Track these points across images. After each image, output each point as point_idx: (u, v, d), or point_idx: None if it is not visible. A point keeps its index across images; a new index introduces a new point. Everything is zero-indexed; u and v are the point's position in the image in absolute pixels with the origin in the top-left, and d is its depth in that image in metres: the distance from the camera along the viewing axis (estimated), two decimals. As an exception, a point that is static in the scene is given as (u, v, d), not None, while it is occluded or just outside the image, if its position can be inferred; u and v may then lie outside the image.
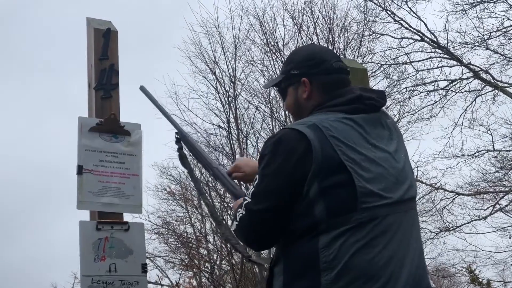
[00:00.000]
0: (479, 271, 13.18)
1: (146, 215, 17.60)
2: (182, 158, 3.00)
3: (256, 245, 2.30)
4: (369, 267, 2.04)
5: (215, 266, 17.67)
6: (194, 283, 20.51)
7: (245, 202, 2.21)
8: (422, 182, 15.49)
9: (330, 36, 14.58)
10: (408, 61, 14.83)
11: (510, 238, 15.99)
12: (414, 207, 2.28)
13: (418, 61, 14.84)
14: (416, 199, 2.33)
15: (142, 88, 3.03)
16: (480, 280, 11.96)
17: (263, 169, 2.19)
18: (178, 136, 2.96)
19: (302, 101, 2.38)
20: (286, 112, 14.80)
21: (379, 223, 2.10)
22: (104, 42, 3.42)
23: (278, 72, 15.13)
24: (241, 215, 2.22)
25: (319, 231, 2.08)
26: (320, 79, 2.34)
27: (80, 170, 3.14)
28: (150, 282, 16.42)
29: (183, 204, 19.46)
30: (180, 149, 2.99)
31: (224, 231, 2.77)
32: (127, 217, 3.24)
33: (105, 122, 3.25)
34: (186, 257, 18.58)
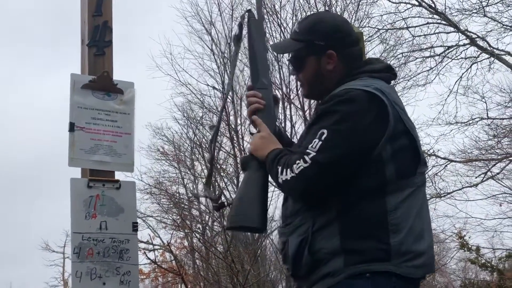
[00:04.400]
0: (469, 237, 13.31)
1: (138, 175, 17.63)
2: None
3: (313, 198, 2.24)
4: (421, 228, 2.22)
5: (207, 227, 17.78)
6: (186, 243, 20.64)
7: (310, 155, 2.17)
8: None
9: (328, -1, 14.47)
10: (405, 26, 14.73)
11: (500, 205, 16.10)
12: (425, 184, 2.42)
13: (415, 26, 14.72)
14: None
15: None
16: (470, 246, 12.07)
17: (334, 125, 2.18)
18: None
19: (326, 73, 2.39)
20: (294, 80, 14.71)
21: (423, 189, 2.30)
22: (98, -2, 3.37)
23: (273, 34, 15.03)
24: (302, 167, 2.18)
25: (386, 192, 2.16)
26: (345, 52, 2.39)
27: (72, 127, 3.12)
28: (142, 242, 16.50)
29: (176, 164, 19.50)
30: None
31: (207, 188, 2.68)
32: (119, 176, 3.24)
33: (98, 80, 3.22)
34: (178, 217, 18.67)
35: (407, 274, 2.15)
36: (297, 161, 2.20)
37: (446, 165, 15.50)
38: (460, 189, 15.48)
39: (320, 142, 2.17)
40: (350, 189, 2.18)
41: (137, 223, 3.14)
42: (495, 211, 16.35)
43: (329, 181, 2.18)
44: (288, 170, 2.21)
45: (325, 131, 2.18)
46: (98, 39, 3.31)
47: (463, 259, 18.49)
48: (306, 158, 2.18)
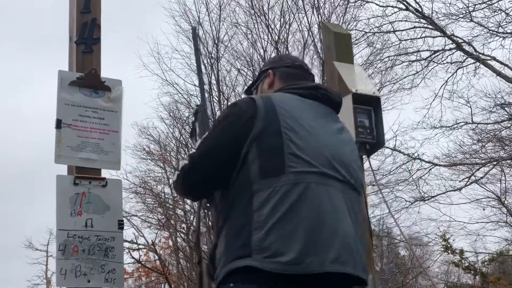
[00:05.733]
0: (453, 240, 13.38)
1: (124, 174, 17.56)
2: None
3: (193, 192, 2.53)
4: (294, 227, 2.19)
5: (191, 227, 17.74)
6: (170, 243, 20.60)
7: (191, 152, 2.44)
8: (399, 151, 15.58)
9: (316, 1, 14.50)
10: (392, 30, 14.80)
11: (483, 210, 16.21)
12: (352, 194, 2.42)
13: (402, 30, 14.81)
14: (359, 191, 2.49)
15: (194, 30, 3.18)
16: (453, 249, 12.13)
17: (214, 125, 2.44)
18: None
19: (265, 90, 2.70)
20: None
21: (306, 188, 2.25)
22: (86, -5, 3.36)
23: (261, 35, 15.02)
24: (183, 164, 2.44)
25: (253, 191, 2.25)
26: (280, 70, 2.70)
27: (59, 124, 3.11)
28: (126, 241, 16.44)
29: (162, 164, 19.45)
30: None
31: None
32: (105, 174, 3.23)
33: (86, 77, 3.21)
34: (163, 217, 18.63)
35: (271, 269, 2.15)
36: (183, 161, 2.47)
37: (430, 169, 15.59)
38: (444, 193, 15.58)
39: (200, 140, 2.44)
40: (229, 191, 2.32)
41: (122, 221, 3.14)
42: (478, 215, 16.48)
43: (201, 172, 2.39)
44: (176, 171, 2.48)
45: (208, 131, 2.47)
46: (86, 36, 3.30)
47: (446, 261, 18.57)
48: (187, 156, 2.45)
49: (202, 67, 3.13)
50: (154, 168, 19.61)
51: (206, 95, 3.52)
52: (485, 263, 13.03)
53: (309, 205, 2.24)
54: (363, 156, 3.56)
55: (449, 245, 12.12)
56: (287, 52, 14.65)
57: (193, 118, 2.93)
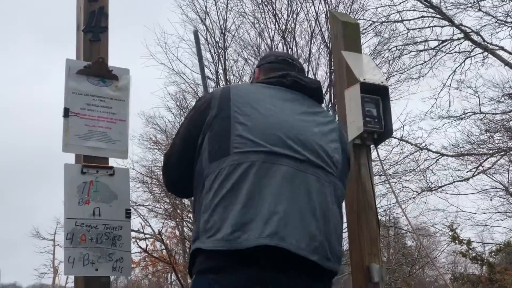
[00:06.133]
0: (460, 230, 13.35)
1: (131, 164, 17.61)
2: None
3: (171, 187, 2.68)
4: (232, 205, 2.21)
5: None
6: (177, 232, 20.65)
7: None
8: (407, 141, 15.56)
9: (323, -10, 14.44)
10: (399, 19, 14.74)
11: (491, 200, 16.19)
12: (319, 173, 2.38)
13: (410, 19, 14.76)
14: (332, 172, 2.43)
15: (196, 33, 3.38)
16: (461, 239, 12.11)
17: (182, 123, 2.58)
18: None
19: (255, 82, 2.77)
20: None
21: (249, 167, 2.27)
22: (94, -16, 3.35)
23: (268, 25, 14.97)
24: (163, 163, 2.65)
25: (204, 177, 2.34)
26: (264, 66, 2.81)
27: (66, 112, 3.11)
28: (133, 231, 16.50)
29: (168, 154, 19.46)
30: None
31: None
32: (112, 163, 3.22)
33: (93, 66, 3.20)
34: (169, 206, 18.66)
35: (210, 248, 2.18)
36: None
37: (437, 159, 15.57)
38: (451, 183, 15.56)
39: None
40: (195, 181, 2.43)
41: (130, 209, 3.13)
42: (486, 206, 16.45)
43: (173, 169, 2.57)
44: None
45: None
46: (94, 25, 3.30)
47: (454, 252, 18.56)
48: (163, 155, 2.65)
49: (206, 70, 3.25)
50: (160, 158, 19.62)
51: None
52: (492, 253, 13.01)
53: (249, 183, 2.24)
54: (371, 146, 3.54)
55: (456, 236, 12.09)
56: (294, 41, 14.62)
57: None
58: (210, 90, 3.09)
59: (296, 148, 2.35)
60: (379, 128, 3.42)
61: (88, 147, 3.12)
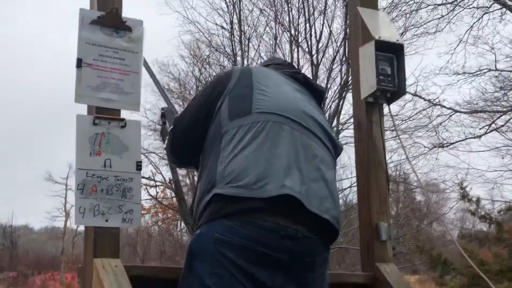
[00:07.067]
0: (470, 188, 13.37)
1: (143, 111, 17.66)
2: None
3: (171, 150, 2.86)
4: (253, 157, 2.38)
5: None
6: (187, 181, 20.80)
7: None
8: (420, 97, 15.49)
9: None
10: (418, -28, 14.50)
11: (502, 158, 16.15)
12: (318, 142, 2.58)
13: (429, -27, 14.51)
14: (333, 156, 2.69)
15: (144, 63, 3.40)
16: (470, 197, 12.13)
17: (197, 93, 2.81)
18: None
19: None
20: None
21: (270, 125, 2.46)
22: None
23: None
24: (171, 127, 2.81)
25: (222, 134, 2.48)
26: (273, 66, 2.91)
27: (79, 63, 3.10)
28: (144, 178, 16.63)
29: (181, 102, 19.48)
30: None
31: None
32: (124, 114, 3.22)
33: (107, 16, 3.17)
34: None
35: (233, 194, 2.31)
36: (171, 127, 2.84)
37: (450, 115, 15.52)
38: (463, 140, 15.55)
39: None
40: (206, 145, 2.57)
41: (141, 162, 3.14)
42: (497, 163, 16.43)
43: (182, 126, 2.74)
44: (167, 137, 2.88)
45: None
46: (107, -26, 3.26)
47: (462, 209, 18.62)
48: (173, 120, 2.85)
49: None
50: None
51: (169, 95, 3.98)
52: (501, 212, 13.02)
53: (270, 139, 2.43)
54: (383, 104, 3.52)
55: (465, 194, 12.10)
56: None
57: (161, 122, 3.30)
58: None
59: (304, 118, 2.58)
60: (392, 87, 3.40)
61: (101, 98, 3.11)
